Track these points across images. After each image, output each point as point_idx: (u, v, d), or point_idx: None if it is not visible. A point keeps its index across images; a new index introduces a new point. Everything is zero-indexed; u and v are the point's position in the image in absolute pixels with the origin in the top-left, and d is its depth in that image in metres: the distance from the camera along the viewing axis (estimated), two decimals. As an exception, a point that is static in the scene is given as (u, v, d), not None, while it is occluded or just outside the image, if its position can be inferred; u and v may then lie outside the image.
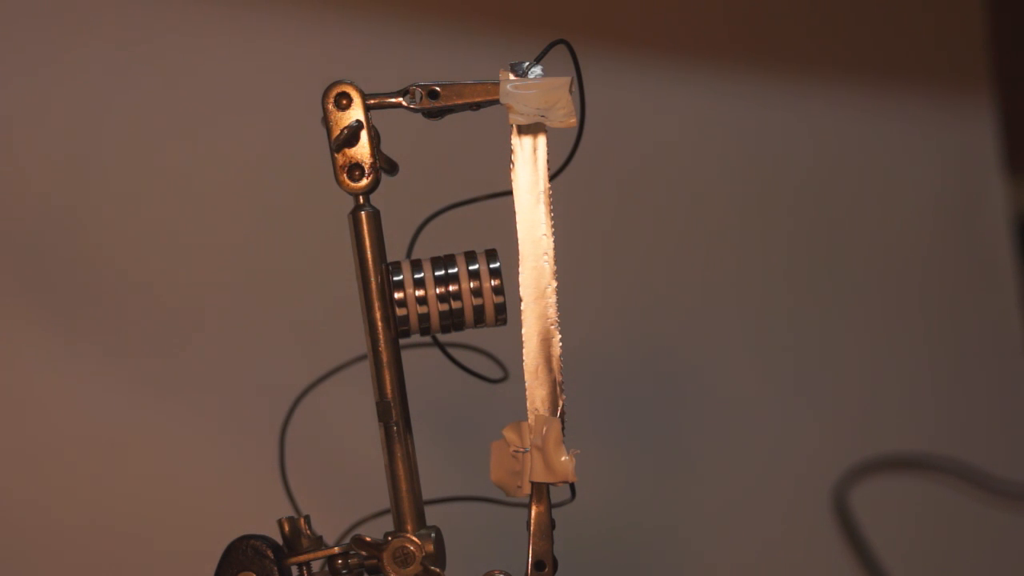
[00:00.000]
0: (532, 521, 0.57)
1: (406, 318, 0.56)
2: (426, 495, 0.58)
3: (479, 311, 0.57)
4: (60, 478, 0.89)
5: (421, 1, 1.01)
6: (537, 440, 0.56)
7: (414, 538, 0.57)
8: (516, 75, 0.56)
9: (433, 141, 0.78)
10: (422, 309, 0.56)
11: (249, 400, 0.92)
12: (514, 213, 0.57)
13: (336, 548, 0.57)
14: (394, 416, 0.57)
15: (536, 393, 0.57)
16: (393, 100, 0.57)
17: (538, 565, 0.57)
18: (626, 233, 1.05)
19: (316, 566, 0.58)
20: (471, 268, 0.56)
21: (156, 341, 0.92)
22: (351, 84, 0.56)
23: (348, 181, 0.57)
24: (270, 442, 0.76)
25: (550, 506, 0.57)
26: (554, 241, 0.57)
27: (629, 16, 1.08)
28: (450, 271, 0.56)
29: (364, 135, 0.56)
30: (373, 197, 0.57)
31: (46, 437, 0.90)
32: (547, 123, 0.56)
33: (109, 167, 0.93)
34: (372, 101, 0.56)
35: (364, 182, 0.57)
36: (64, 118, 0.93)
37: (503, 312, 0.57)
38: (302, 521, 0.57)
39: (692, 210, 1.08)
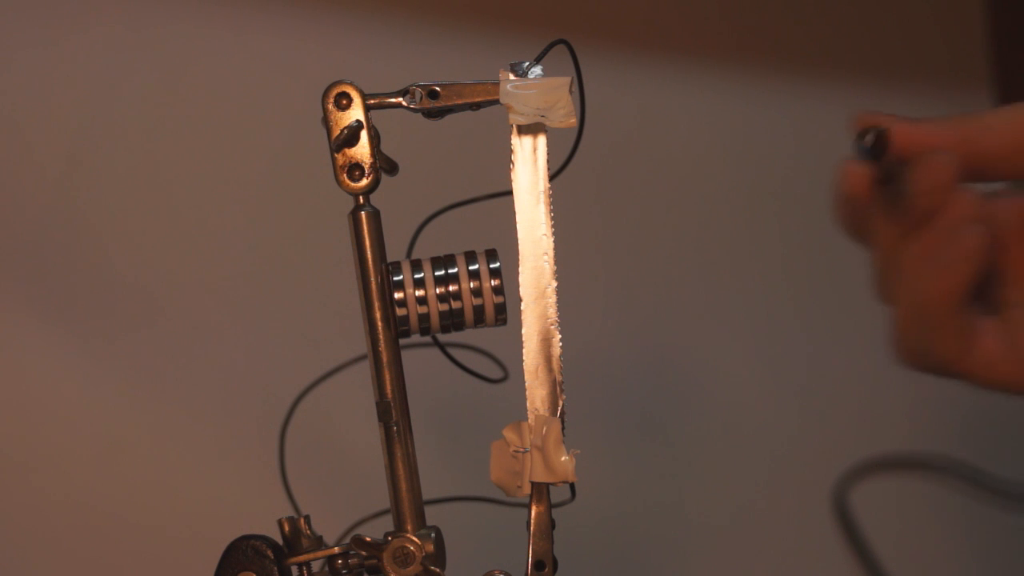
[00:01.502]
0: (532, 521, 0.57)
1: (406, 318, 0.56)
2: (426, 495, 0.58)
3: (479, 311, 0.56)
4: (60, 478, 0.89)
5: (421, 1, 1.01)
6: (537, 440, 0.56)
7: (414, 538, 0.57)
8: (516, 75, 0.56)
9: (433, 141, 0.78)
10: (422, 309, 0.56)
11: (249, 400, 0.92)
12: (514, 213, 0.57)
13: (336, 548, 0.57)
14: (394, 416, 0.57)
15: (536, 393, 0.57)
16: (393, 100, 0.57)
17: (538, 565, 0.57)
18: (626, 233, 1.05)
19: (316, 566, 0.58)
20: (471, 268, 0.56)
21: (156, 341, 0.92)
22: (351, 84, 0.56)
23: (348, 181, 0.57)
24: (270, 442, 0.76)
25: (550, 506, 0.57)
26: (554, 241, 0.57)
27: (629, 16, 1.08)
28: (450, 271, 0.56)
29: (364, 135, 0.56)
30: (373, 197, 0.57)
31: (46, 436, 0.90)
32: (547, 123, 0.56)
33: (108, 169, 0.93)
34: (372, 101, 0.56)
35: (364, 182, 0.57)
36: (61, 118, 0.92)
37: (503, 312, 0.57)
38: (302, 521, 0.57)
39: (693, 210, 1.08)
